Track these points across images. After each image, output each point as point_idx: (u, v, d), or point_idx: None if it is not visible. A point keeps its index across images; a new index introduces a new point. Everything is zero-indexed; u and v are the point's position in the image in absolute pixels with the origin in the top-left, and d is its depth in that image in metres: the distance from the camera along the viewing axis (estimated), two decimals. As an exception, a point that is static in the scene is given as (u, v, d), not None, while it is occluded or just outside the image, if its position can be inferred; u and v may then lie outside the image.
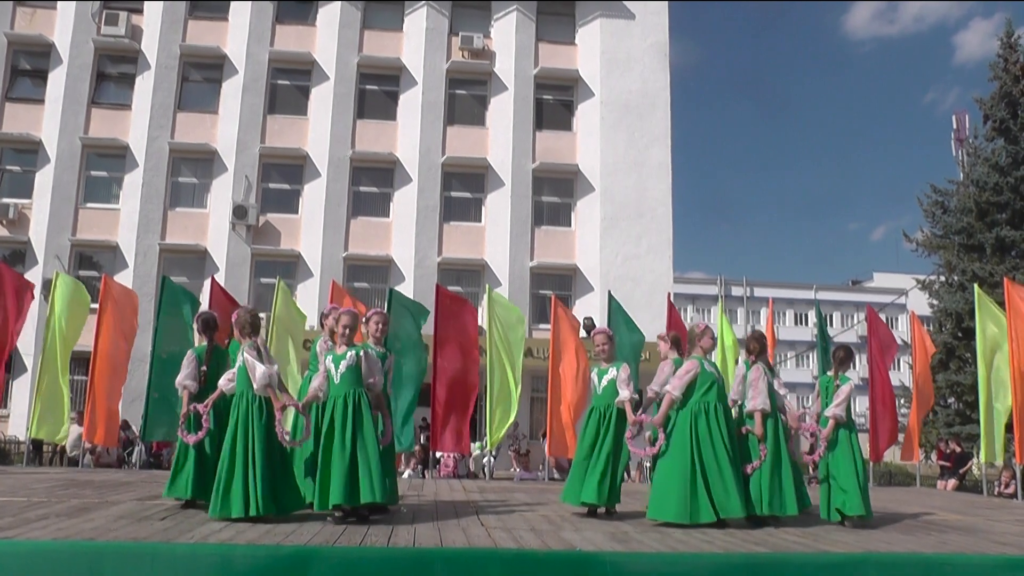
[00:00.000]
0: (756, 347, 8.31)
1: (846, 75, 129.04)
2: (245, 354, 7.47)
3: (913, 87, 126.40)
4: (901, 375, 47.90)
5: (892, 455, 30.11)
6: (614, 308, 15.17)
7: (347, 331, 7.54)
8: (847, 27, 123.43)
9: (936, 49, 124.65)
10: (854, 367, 9.43)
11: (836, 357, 8.71)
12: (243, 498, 7.07)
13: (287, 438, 7.35)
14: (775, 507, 7.83)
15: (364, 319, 8.14)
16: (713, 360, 8.74)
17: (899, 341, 22.75)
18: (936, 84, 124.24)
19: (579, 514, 8.17)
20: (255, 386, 7.34)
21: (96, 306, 15.15)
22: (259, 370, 7.31)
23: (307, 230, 28.65)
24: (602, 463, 8.05)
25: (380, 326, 8.01)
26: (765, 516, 7.83)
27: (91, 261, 28.20)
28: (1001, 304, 14.59)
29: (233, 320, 7.77)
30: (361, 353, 7.49)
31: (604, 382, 8.29)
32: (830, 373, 8.67)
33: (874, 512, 8.13)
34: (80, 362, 21.20)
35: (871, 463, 14.75)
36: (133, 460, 18.82)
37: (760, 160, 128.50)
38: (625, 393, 8.11)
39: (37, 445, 19.87)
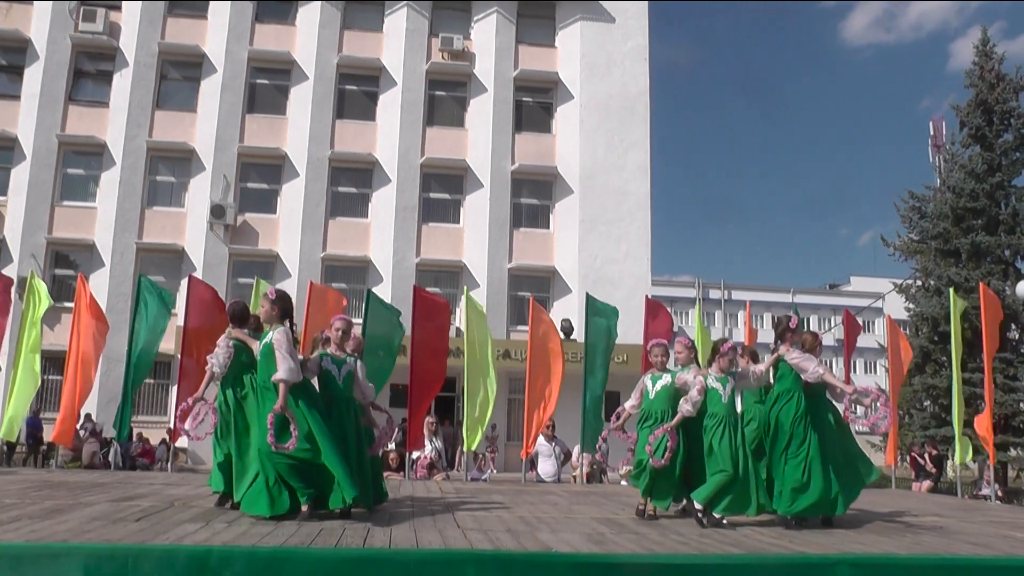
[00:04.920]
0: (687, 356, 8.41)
1: (842, 81, 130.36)
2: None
3: (908, 93, 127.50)
4: (878, 378, 48.29)
5: (871, 458, 30.37)
6: (591, 310, 15.13)
7: (341, 335, 7.88)
8: (845, 34, 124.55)
9: (932, 56, 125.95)
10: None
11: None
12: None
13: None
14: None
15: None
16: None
17: (876, 344, 22.88)
18: (932, 91, 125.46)
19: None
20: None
21: (71, 304, 14.99)
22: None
23: (285, 230, 28.57)
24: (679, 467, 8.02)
25: (340, 333, 7.94)
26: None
27: (67, 260, 28.02)
28: (976, 309, 14.71)
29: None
30: (357, 364, 7.90)
31: (658, 387, 8.26)
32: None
33: (849, 513, 8.20)
34: (54, 362, 21.08)
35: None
36: (110, 460, 18.66)
37: (752, 163, 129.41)
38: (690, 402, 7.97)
39: (11, 446, 19.70)
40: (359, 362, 7.94)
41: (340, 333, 7.89)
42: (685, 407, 7.90)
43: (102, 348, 14.47)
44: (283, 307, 7.55)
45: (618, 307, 15.31)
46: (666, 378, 8.27)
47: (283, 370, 7.15)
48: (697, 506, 7.70)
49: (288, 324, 7.48)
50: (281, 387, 7.12)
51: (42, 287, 14.72)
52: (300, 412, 7.20)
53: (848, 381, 9.27)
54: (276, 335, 7.32)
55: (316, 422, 7.25)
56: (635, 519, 8.05)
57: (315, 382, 7.77)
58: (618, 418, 8.60)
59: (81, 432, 19.48)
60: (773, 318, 12.59)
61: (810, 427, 7.97)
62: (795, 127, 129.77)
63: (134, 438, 20.72)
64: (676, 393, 8.18)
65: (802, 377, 8.04)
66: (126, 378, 13.90)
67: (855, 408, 8.61)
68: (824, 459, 7.89)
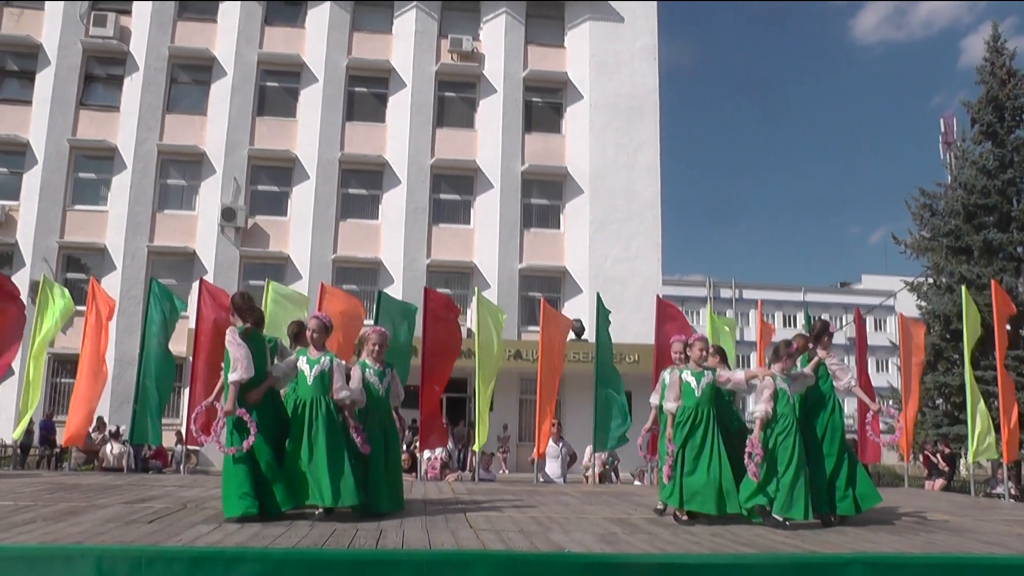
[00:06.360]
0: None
1: (853, 79, 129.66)
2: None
3: (919, 91, 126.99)
4: (890, 376, 48.12)
5: (883, 456, 30.23)
6: (601, 310, 15.12)
7: (314, 335, 7.74)
8: (855, 32, 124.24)
9: (943, 53, 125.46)
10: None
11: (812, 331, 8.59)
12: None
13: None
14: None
15: (362, 336, 8.23)
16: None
17: (888, 343, 22.81)
18: (943, 88, 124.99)
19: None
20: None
21: (83, 308, 15.09)
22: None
23: (296, 232, 28.61)
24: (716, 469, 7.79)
25: (378, 347, 8.02)
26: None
27: (79, 263, 28.11)
28: (988, 307, 14.67)
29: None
30: (333, 363, 7.65)
31: (703, 384, 7.95)
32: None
33: (863, 512, 8.16)
34: (66, 364, 21.12)
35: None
36: (124, 463, 18.72)
37: (760, 162, 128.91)
38: (761, 407, 7.72)
39: (24, 449, 19.79)
40: (335, 361, 7.71)
41: (313, 334, 7.78)
42: (762, 414, 7.63)
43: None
44: (237, 307, 7.55)
45: (629, 307, 15.30)
46: (708, 375, 8.01)
47: (232, 370, 7.13)
48: (759, 505, 7.66)
49: (242, 323, 7.45)
50: (230, 389, 7.12)
51: (56, 290, 14.77)
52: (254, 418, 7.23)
53: (869, 390, 9.32)
54: (227, 336, 7.33)
55: (267, 433, 7.31)
56: (647, 519, 8.03)
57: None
58: (655, 424, 8.48)
59: (94, 435, 19.53)
60: (784, 317, 12.57)
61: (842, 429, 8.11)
62: (804, 126, 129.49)
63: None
64: (718, 391, 8.09)
65: (835, 385, 8.06)
66: (138, 381, 13.92)
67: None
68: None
